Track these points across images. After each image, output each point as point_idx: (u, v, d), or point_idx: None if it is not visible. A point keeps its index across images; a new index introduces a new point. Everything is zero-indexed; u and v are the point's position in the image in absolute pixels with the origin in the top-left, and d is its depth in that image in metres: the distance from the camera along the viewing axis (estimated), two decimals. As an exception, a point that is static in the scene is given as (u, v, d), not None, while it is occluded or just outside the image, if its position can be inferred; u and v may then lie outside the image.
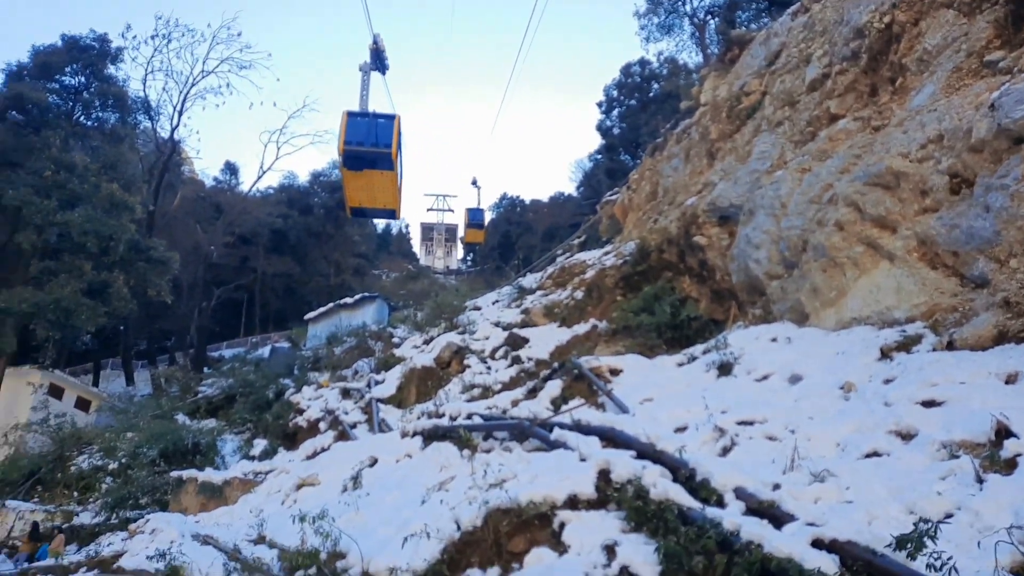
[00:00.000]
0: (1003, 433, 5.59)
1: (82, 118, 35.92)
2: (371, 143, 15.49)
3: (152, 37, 39.87)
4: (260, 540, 9.32)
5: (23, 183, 27.86)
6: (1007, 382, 6.71)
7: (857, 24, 13.78)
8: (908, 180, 10.02)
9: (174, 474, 15.15)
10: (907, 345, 8.53)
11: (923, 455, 5.96)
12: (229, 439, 20.13)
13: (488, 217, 51.96)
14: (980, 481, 5.22)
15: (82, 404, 29.53)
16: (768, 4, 34.25)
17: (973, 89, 9.82)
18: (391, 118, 16.02)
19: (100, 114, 36.88)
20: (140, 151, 41.60)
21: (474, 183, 42.60)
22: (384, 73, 18.06)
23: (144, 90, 41.06)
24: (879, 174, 10.50)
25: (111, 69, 36.47)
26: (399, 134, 15.92)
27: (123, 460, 18.37)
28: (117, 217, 28.92)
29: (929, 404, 6.78)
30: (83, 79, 35.53)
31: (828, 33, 15.40)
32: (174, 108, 40.82)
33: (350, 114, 15.85)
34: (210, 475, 14.76)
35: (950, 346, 8.00)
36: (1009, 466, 5.34)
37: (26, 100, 31.76)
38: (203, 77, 41.36)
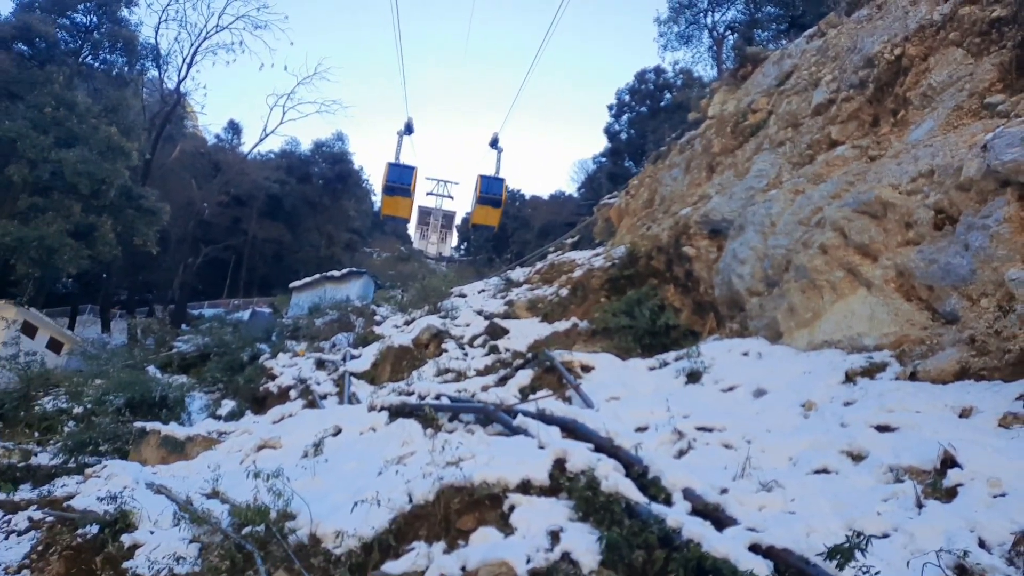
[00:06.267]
0: (948, 463, 5.70)
1: (89, 58, 35.59)
2: (400, 182, 24.43)
3: (171, -16, 39.56)
4: (213, 494, 9.24)
5: (21, 116, 27.52)
6: (961, 415, 6.82)
7: (868, 53, 13.88)
8: (895, 211, 10.12)
9: (138, 424, 14.93)
10: (872, 371, 8.65)
11: (870, 476, 6.06)
12: (198, 397, 19.98)
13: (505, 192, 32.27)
14: (920, 506, 5.32)
15: (54, 345, 29.27)
16: (787, 26, 34.41)
17: (970, 129, 9.93)
18: (412, 168, 25.03)
19: (108, 56, 36.57)
20: (144, 99, 41.17)
21: (494, 144, 27.34)
22: (411, 135, 26.82)
23: (156, 37, 41.11)
24: (868, 202, 10.60)
25: (124, 12, 36.26)
26: (416, 178, 25.32)
27: (88, 405, 18.17)
28: (112, 161, 28.66)
29: (883, 429, 6.88)
30: (95, 18, 35.19)
31: (839, 59, 15.50)
32: (183, 59, 40.58)
33: (390, 164, 24.50)
34: (174, 430, 14.59)
35: (913, 376, 8.11)
36: (949, 494, 5.45)
37: (34, 32, 31.38)
38: (216, 32, 41.18)
